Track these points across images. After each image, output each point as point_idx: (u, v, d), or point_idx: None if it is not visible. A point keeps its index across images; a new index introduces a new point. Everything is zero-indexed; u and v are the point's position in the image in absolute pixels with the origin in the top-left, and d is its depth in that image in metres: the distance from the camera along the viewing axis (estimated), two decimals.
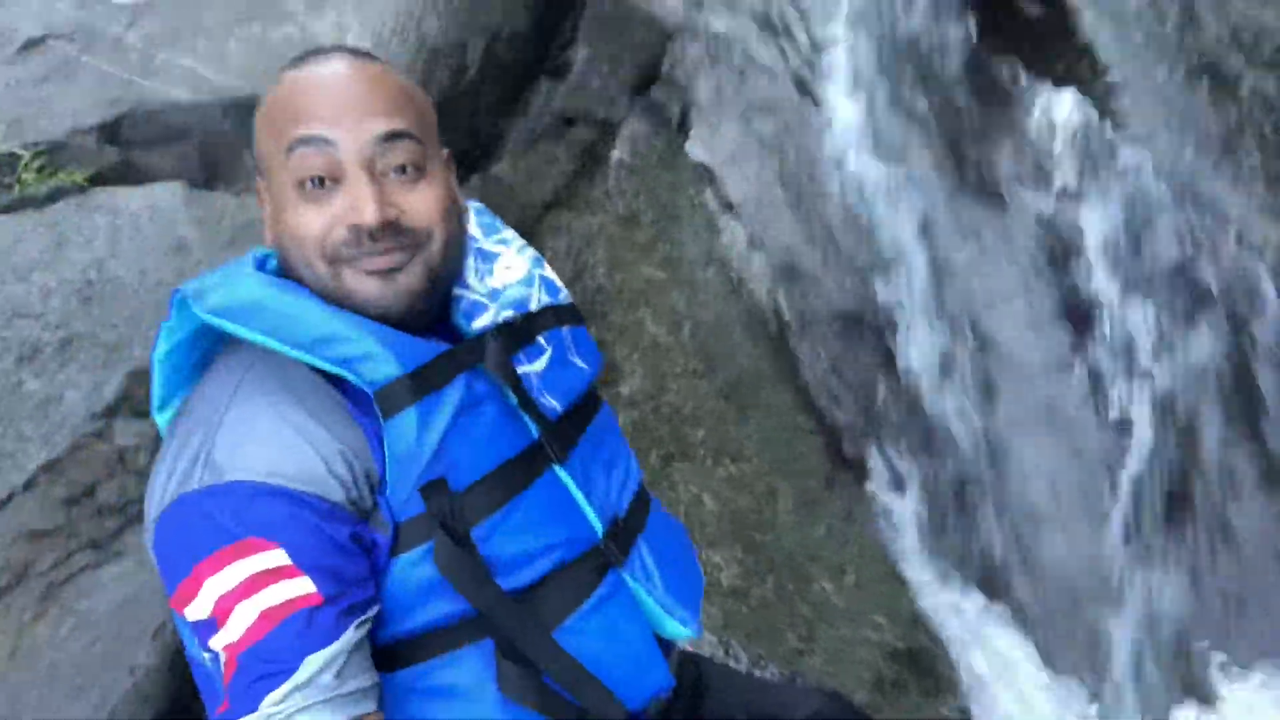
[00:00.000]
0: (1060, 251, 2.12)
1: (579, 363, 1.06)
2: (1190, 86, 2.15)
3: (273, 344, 0.87)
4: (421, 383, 0.88)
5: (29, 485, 1.44)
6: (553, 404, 0.99)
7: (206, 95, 1.97)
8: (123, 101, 1.92)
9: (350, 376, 0.86)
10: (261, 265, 0.97)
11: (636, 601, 1.00)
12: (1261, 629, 1.85)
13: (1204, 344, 1.95)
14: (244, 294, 0.90)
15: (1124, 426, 1.94)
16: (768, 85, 2.78)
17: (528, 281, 1.05)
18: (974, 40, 2.65)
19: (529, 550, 0.92)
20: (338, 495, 0.85)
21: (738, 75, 2.84)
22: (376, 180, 0.89)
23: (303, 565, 0.81)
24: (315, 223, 0.89)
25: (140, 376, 1.59)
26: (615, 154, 2.58)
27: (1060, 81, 2.36)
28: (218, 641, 0.81)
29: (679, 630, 1.03)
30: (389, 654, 0.89)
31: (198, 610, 0.82)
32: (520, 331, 1.00)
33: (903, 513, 2.01)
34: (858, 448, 2.09)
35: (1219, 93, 2.12)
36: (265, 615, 0.80)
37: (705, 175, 2.59)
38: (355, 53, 0.97)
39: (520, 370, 0.97)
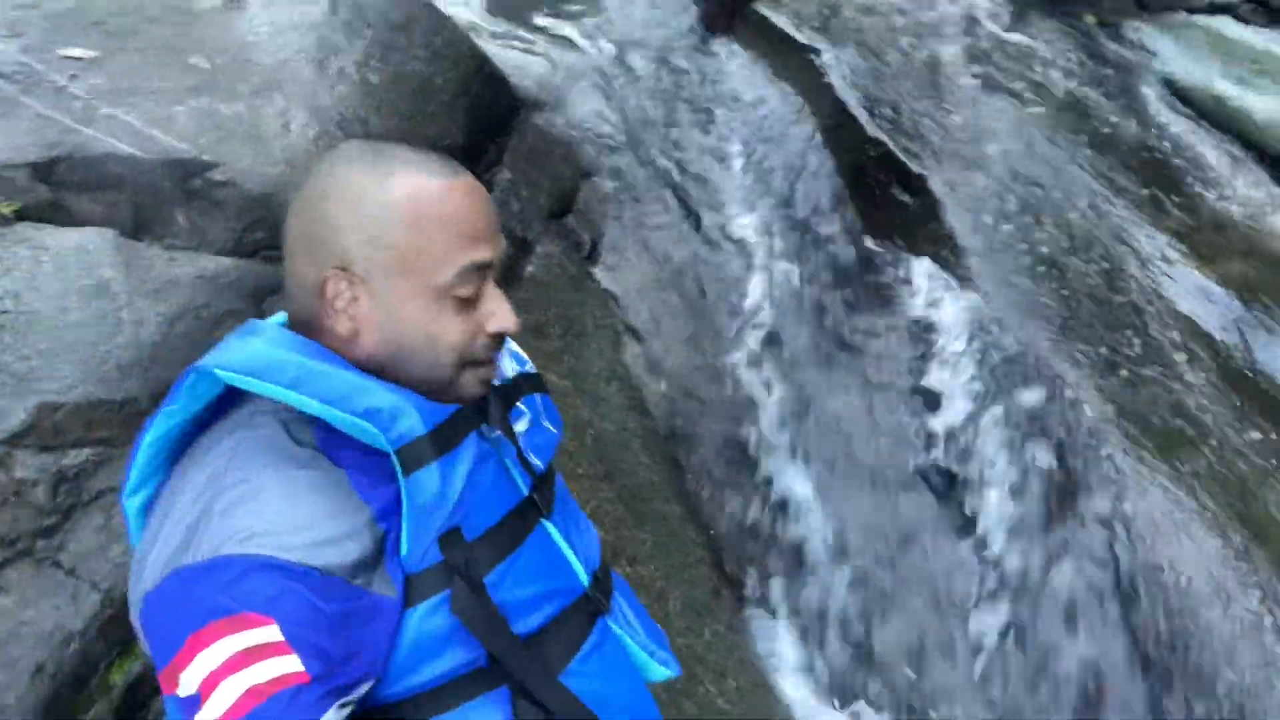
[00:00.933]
0: (927, 401, 2.38)
1: (549, 427, 1.13)
2: (1037, 276, 2.52)
3: (292, 397, 0.89)
4: (441, 440, 0.92)
5: None
6: (536, 463, 1.06)
7: (150, 152, 1.99)
8: (62, 145, 1.92)
9: (370, 428, 0.88)
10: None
11: (623, 646, 1.06)
12: None
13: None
14: (269, 352, 0.92)
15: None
16: (671, 229, 3.03)
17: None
18: (856, 222, 3.01)
19: (534, 596, 0.97)
20: (334, 560, 0.85)
21: (644, 217, 3.08)
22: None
23: (293, 642, 0.81)
24: (461, 330, 0.94)
25: (49, 410, 1.53)
26: (529, 269, 2.72)
27: (926, 258, 2.71)
28: (201, 718, 0.80)
29: (661, 672, 1.09)
30: (403, 710, 0.90)
31: (186, 686, 0.81)
32: (506, 396, 1.07)
33: (775, 636, 2.11)
34: (736, 566, 2.20)
35: (1057, 282, 2.50)
36: (251, 692, 0.80)
37: (611, 300, 2.76)
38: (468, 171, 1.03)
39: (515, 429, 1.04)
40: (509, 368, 1.13)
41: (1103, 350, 2.40)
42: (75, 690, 1.33)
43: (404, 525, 0.90)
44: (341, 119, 2.36)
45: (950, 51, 3.38)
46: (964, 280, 2.58)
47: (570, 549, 1.04)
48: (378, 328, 0.94)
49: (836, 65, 3.32)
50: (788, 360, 2.64)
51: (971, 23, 3.45)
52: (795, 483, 2.37)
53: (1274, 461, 2.09)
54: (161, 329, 1.75)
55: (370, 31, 2.68)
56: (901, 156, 2.95)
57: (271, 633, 0.81)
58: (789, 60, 3.54)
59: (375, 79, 2.56)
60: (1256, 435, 2.11)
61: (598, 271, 2.87)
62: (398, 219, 0.93)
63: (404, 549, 0.90)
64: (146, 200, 1.98)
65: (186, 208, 2.02)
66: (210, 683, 0.80)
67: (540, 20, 3.76)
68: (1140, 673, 2.00)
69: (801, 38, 3.53)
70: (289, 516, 0.85)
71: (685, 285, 2.85)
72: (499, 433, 1.01)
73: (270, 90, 2.31)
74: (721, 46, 3.86)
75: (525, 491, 1.02)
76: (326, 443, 0.92)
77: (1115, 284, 2.51)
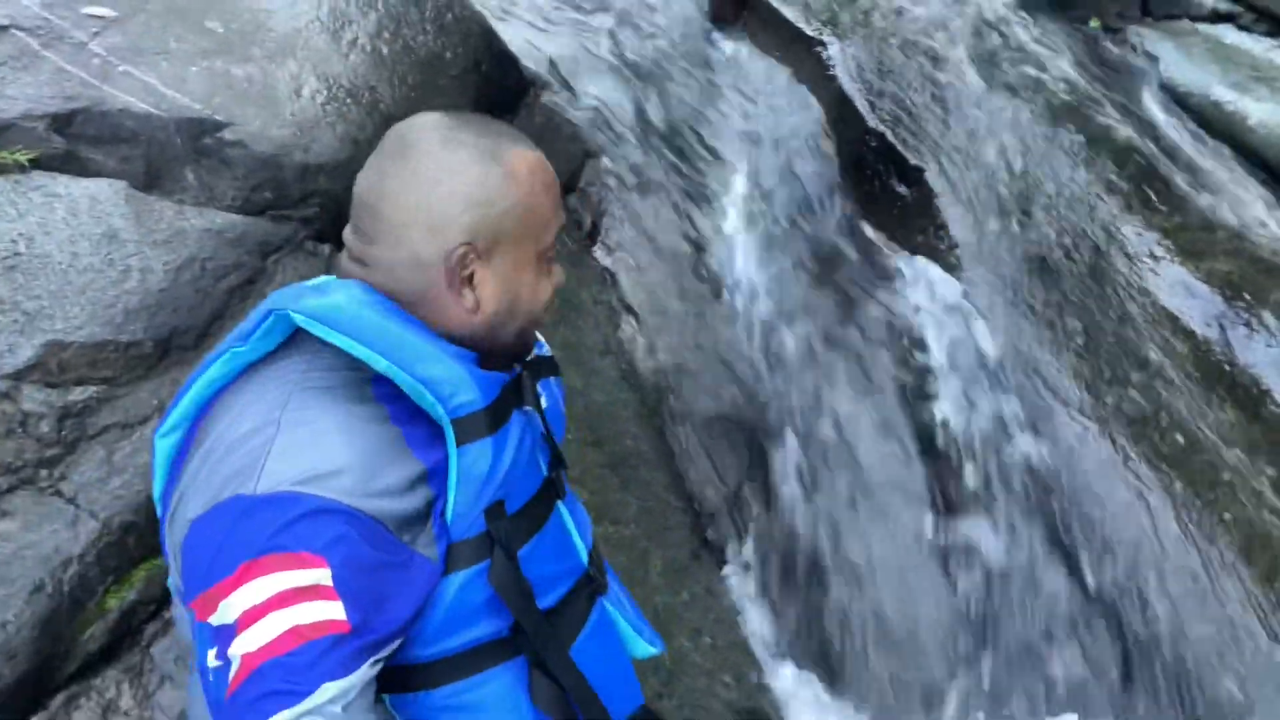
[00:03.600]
0: (914, 388, 2.44)
1: (562, 408, 1.20)
2: (1026, 269, 2.57)
3: (362, 351, 0.90)
4: (495, 415, 0.95)
5: None
6: (556, 445, 1.11)
7: (164, 110, 2.05)
8: (79, 99, 1.98)
9: (428, 396, 0.90)
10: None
11: (615, 625, 1.10)
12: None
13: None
14: (350, 307, 0.93)
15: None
16: (672, 212, 3.08)
17: None
18: (854, 210, 3.07)
19: (553, 573, 1.01)
20: (386, 509, 0.87)
21: (646, 199, 3.13)
22: None
23: (341, 590, 0.82)
24: (548, 289, 1.04)
25: (56, 348, 1.60)
26: None
27: (919, 249, 2.76)
28: (237, 647, 0.80)
29: (648, 649, 1.13)
30: (422, 673, 0.93)
31: (224, 614, 0.81)
32: (534, 375, 1.08)
33: (750, 598, 2.17)
34: (719, 534, 2.26)
35: (1046, 277, 2.55)
36: (295, 631, 0.80)
37: (609, 278, 2.81)
38: None
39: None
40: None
41: (1084, 343, 2.45)
42: (72, 612, 1.39)
43: (450, 493, 0.91)
44: (352, 87, 2.42)
45: (955, 49, 3.42)
46: (954, 270, 2.63)
47: (576, 529, 1.08)
48: (497, 298, 0.98)
49: (842, 58, 3.36)
50: (780, 343, 2.70)
51: (978, 21, 3.50)
52: (782, 465, 2.43)
53: (1241, 450, 2.14)
54: (168, 277, 1.81)
55: (382, 4, 2.74)
56: (900, 149, 3.00)
57: (322, 575, 0.81)
58: (794, 50, 3.59)
59: (386, 50, 2.62)
60: (1228, 422, 2.16)
61: (597, 250, 2.92)
62: (518, 193, 0.97)
63: (449, 516, 0.91)
64: (158, 156, 2.04)
65: (196, 165, 2.07)
66: (252, 614, 0.79)
67: (553, 5, 3.81)
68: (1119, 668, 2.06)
69: (809, 30, 3.57)
70: (350, 460, 0.86)
71: (683, 268, 2.90)
72: (531, 410, 1.02)
73: (284, 55, 2.37)
74: (728, 36, 3.91)
75: (545, 472, 1.05)
76: (384, 398, 0.93)
77: (1102, 279, 2.56)
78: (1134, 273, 2.54)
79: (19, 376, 1.54)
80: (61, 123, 1.95)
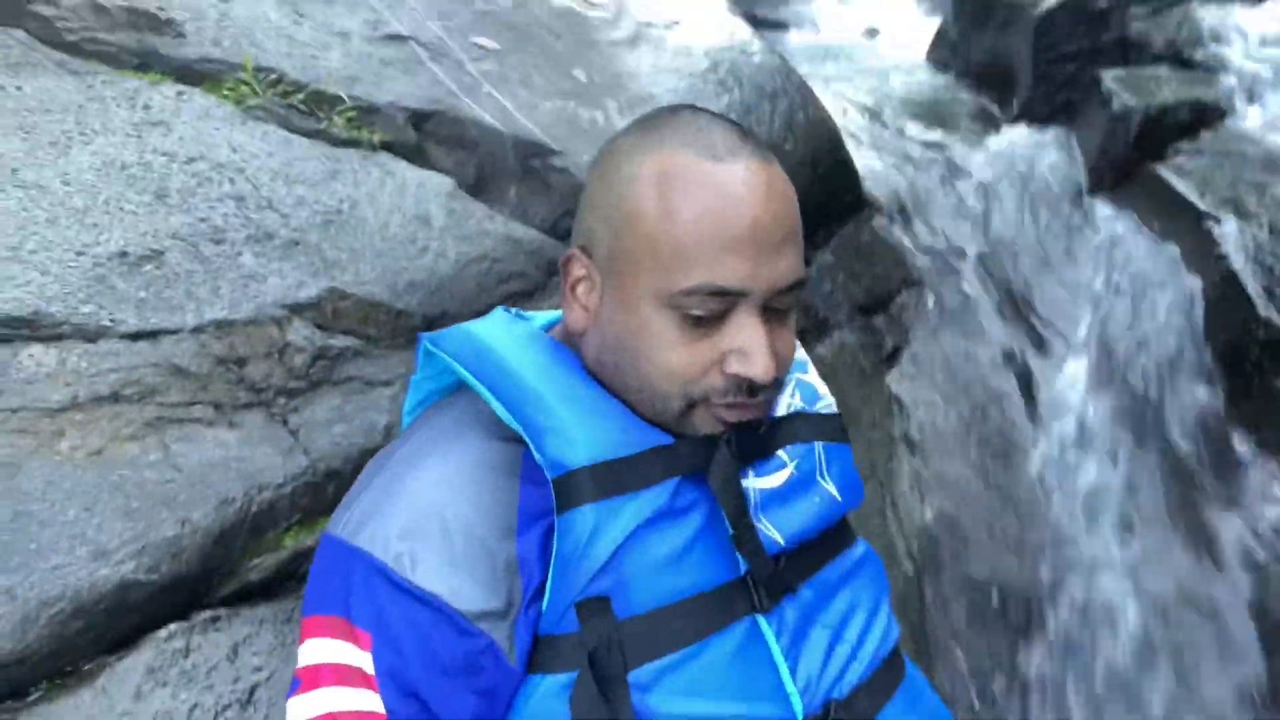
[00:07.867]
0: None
1: (828, 488, 0.88)
2: None
3: (482, 391, 0.78)
4: (611, 478, 0.74)
5: (196, 330, 1.50)
6: (773, 535, 0.82)
7: (509, 128, 2.16)
8: (441, 104, 2.15)
9: (534, 451, 0.74)
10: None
11: None
12: None
13: None
14: (483, 338, 0.83)
15: None
16: (987, 355, 2.75)
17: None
18: (1217, 406, 2.55)
19: (707, 716, 0.74)
20: (467, 600, 0.73)
21: (961, 336, 2.83)
22: (768, 328, 0.77)
23: (384, 681, 0.73)
24: (689, 362, 0.76)
25: (336, 295, 1.66)
26: (820, 349, 2.59)
27: None
28: (292, 708, 0.76)
29: None
30: None
31: (300, 655, 0.78)
32: (759, 439, 0.84)
33: None
34: None
35: None
36: (331, 717, 0.74)
37: (896, 406, 2.54)
38: (770, 160, 0.80)
39: (744, 484, 0.81)
40: (784, 403, 0.89)
41: None
42: (251, 535, 1.37)
43: (550, 573, 0.73)
44: None
45: None
46: None
47: (789, 664, 0.79)
48: (600, 327, 0.79)
49: (1238, 237, 2.88)
50: (1086, 526, 2.24)
51: None
52: (1043, 667, 1.97)
53: None
54: (457, 265, 1.85)
55: (737, 92, 2.78)
56: None
57: (365, 661, 0.73)
58: (1181, 226, 3.15)
59: None
60: None
61: (891, 376, 2.66)
62: (639, 202, 0.75)
63: (545, 602, 0.73)
64: (490, 167, 2.14)
65: (520, 183, 2.15)
66: (308, 677, 0.75)
67: (921, 147, 3.70)
68: None
69: (1202, 205, 3.12)
70: (432, 535, 0.73)
71: (987, 417, 2.55)
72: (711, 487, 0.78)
73: (631, 111, 2.44)
74: (1105, 206, 3.54)
75: (740, 571, 0.79)
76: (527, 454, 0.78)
77: None
78: None
79: (296, 310, 1.61)
80: (419, 119, 2.11)
